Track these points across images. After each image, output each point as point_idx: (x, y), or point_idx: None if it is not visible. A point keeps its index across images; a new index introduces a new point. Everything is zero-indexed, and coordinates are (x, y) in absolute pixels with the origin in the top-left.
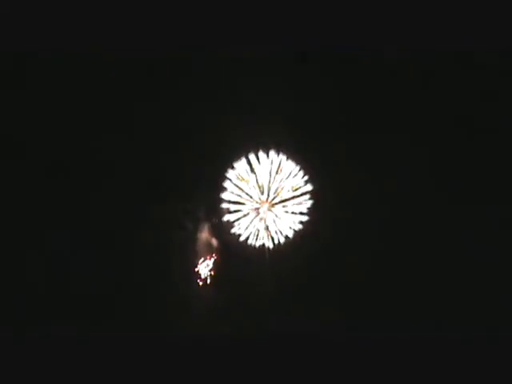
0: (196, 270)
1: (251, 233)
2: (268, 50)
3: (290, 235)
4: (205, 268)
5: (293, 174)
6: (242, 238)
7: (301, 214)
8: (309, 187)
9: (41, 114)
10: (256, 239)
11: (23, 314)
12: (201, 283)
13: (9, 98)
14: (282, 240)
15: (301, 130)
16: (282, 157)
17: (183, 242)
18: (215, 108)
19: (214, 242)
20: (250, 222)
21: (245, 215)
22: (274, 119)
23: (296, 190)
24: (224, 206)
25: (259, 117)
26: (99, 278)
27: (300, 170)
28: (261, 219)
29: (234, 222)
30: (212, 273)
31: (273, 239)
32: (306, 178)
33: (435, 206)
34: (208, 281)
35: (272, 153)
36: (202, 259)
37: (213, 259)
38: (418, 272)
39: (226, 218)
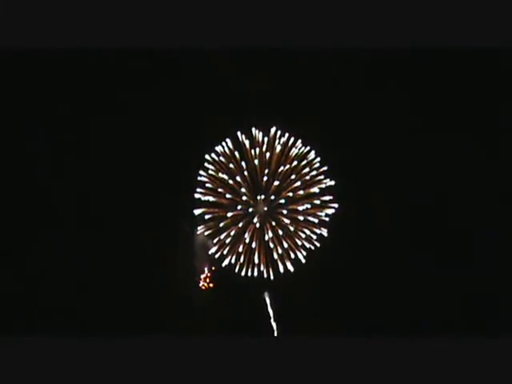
0: (196, 278)
1: (240, 254)
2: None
3: (303, 259)
4: (203, 281)
5: (306, 162)
6: (224, 263)
7: (320, 224)
8: (331, 182)
9: None
10: (248, 266)
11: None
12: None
13: None
14: (290, 267)
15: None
16: (290, 137)
17: (180, 242)
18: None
19: (211, 244)
20: (238, 237)
21: (229, 224)
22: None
23: (311, 185)
24: (197, 210)
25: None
26: (97, 279)
27: (317, 156)
28: (255, 231)
29: (213, 235)
30: (211, 285)
31: (275, 265)
32: (327, 167)
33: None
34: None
35: (274, 131)
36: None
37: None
38: None
39: (201, 229)
